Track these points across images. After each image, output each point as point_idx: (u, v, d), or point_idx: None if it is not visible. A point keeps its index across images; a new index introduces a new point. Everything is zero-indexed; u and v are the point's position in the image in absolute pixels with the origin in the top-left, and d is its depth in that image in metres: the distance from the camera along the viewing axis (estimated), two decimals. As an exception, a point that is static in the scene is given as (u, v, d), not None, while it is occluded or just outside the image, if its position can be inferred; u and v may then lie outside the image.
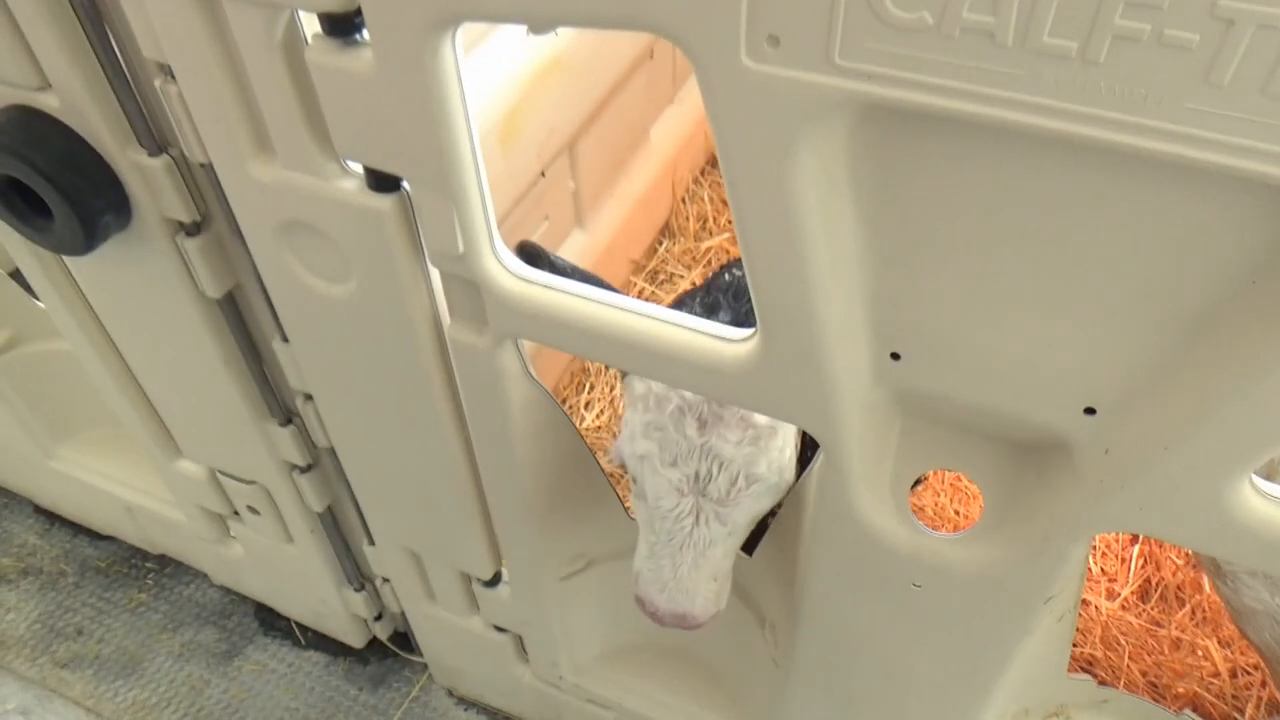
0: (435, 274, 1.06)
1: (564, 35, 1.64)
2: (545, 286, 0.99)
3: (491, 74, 1.52)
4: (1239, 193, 0.64)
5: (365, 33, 0.83)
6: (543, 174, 1.77)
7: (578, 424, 2.21)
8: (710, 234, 2.54)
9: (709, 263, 2.50)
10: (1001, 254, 0.76)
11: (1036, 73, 0.61)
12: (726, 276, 1.35)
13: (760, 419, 1.11)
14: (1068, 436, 0.85)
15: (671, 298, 2.45)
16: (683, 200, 2.58)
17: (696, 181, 2.66)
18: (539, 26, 0.77)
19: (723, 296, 1.31)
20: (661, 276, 2.48)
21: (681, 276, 2.49)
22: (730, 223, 2.56)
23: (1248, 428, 0.74)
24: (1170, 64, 0.57)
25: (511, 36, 1.56)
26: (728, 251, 2.52)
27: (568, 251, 2.01)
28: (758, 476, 1.11)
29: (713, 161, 2.71)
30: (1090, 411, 0.83)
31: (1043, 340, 0.80)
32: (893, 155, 0.73)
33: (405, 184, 0.97)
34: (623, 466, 1.19)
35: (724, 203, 2.62)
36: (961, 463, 0.98)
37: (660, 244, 2.50)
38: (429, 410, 1.21)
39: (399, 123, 0.87)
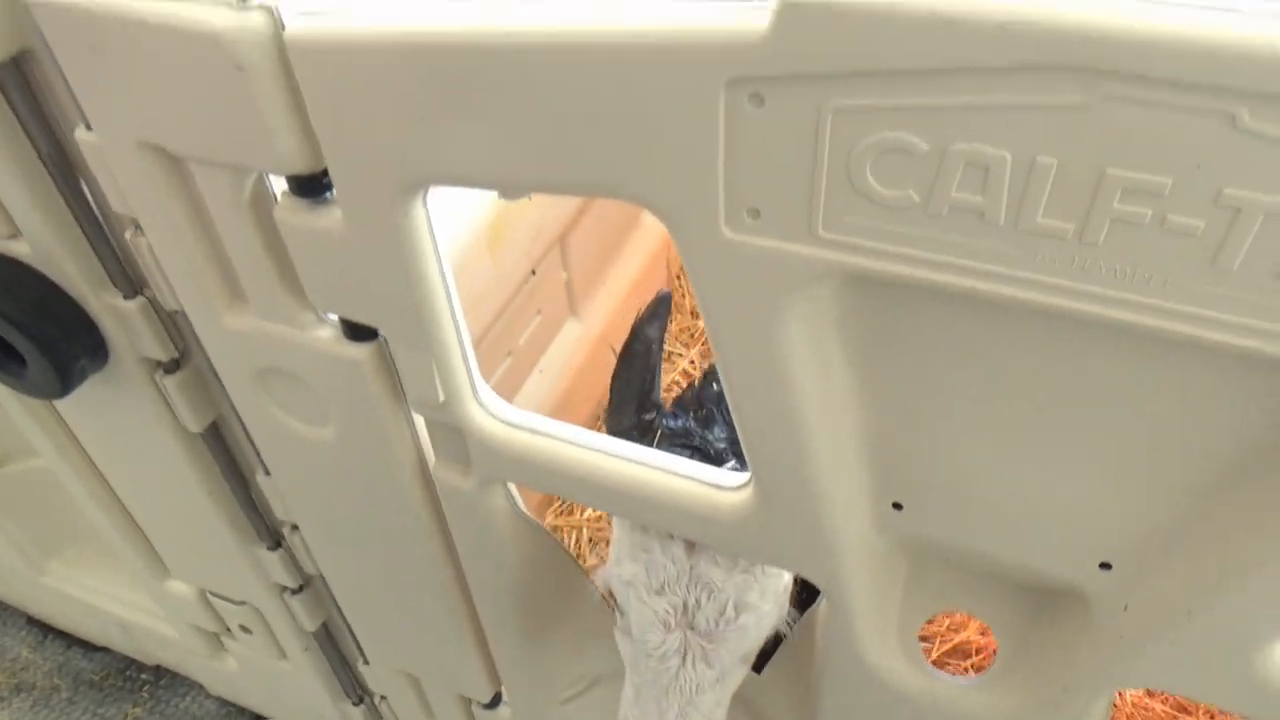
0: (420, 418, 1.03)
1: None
2: (531, 431, 0.95)
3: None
4: (1256, 369, 0.60)
5: (334, 191, 0.81)
6: (533, 272, 1.75)
7: (578, 518, 2.17)
8: (708, 310, 2.51)
9: (706, 340, 2.46)
10: (1001, 413, 0.72)
11: (1031, 251, 0.58)
12: (715, 386, 1.31)
13: None
14: (1083, 590, 0.80)
15: (669, 378, 2.41)
16: (678, 277, 2.56)
17: (692, 256, 2.64)
18: (511, 194, 0.75)
19: (716, 409, 1.27)
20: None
21: (680, 354, 2.45)
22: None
23: (1272, 600, 0.69)
24: (1174, 248, 0.54)
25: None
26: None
27: (562, 343, 1.97)
28: (749, 605, 1.04)
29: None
30: (1106, 566, 0.78)
31: (1051, 495, 0.76)
32: (884, 318, 0.70)
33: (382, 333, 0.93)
34: (609, 593, 1.13)
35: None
36: (972, 606, 0.93)
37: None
38: (418, 543, 1.17)
39: (372, 279, 0.84)
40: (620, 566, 1.09)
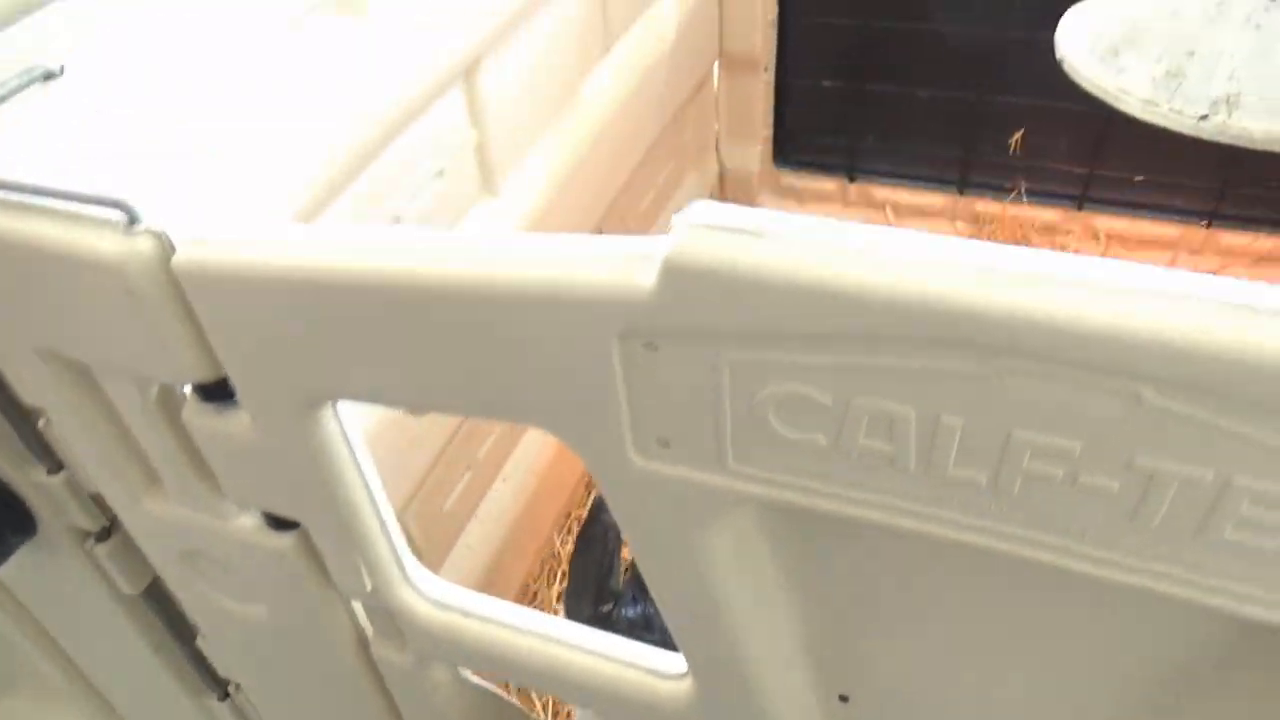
0: (351, 594, 0.99)
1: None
2: (464, 614, 0.91)
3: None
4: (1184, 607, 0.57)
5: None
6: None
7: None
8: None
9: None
10: (936, 624, 0.69)
11: (947, 495, 0.55)
12: None
13: None
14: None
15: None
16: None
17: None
18: (418, 410, 0.72)
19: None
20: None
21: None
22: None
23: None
24: (1091, 503, 0.51)
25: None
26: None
27: (525, 450, 1.94)
28: None
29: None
30: (1060, 766, 0.74)
31: (995, 701, 0.72)
32: (810, 538, 0.67)
33: (306, 521, 0.90)
34: None
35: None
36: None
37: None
38: (362, 711, 1.12)
39: (287, 479, 0.81)
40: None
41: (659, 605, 0.75)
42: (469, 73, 1.45)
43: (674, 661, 0.85)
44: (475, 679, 1.06)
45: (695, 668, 0.79)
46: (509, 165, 1.65)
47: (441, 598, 0.92)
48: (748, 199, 2.79)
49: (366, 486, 0.82)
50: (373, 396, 0.69)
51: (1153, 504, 0.49)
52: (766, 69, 2.55)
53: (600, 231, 2.11)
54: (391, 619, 0.95)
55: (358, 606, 0.99)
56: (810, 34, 2.46)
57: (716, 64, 2.56)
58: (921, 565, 0.64)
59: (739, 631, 0.73)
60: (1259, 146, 1.21)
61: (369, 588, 0.89)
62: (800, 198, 2.78)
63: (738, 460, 0.59)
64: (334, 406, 0.74)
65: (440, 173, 1.46)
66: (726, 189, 2.79)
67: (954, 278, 0.45)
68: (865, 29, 2.38)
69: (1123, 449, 0.48)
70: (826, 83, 2.52)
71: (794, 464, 0.58)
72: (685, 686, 0.83)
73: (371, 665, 1.05)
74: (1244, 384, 0.42)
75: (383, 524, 0.86)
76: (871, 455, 0.55)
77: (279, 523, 0.90)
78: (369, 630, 1.02)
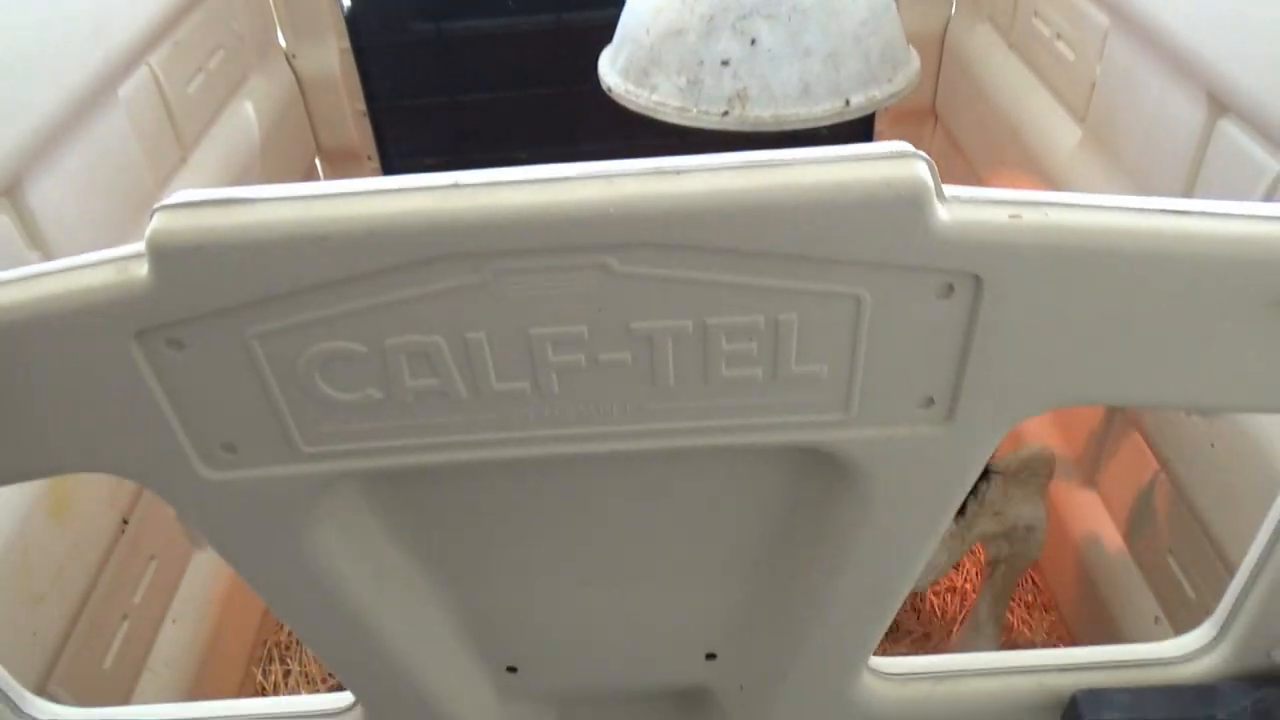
0: None
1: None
2: (100, 730, 0.82)
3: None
4: (748, 455, 0.65)
5: None
6: (125, 521, 1.56)
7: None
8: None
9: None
10: (562, 551, 0.73)
11: (504, 414, 0.59)
12: None
13: None
14: (701, 683, 0.83)
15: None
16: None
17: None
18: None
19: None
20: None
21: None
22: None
23: (837, 636, 0.75)
24: (620, 379, 0.58)
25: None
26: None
27: (194, 581, 1.77)
28: None
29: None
30: (711, 657, 0.81)
31: (644, 608, 0.78)
32: (411, 502, 0.68)
33: None
34: None
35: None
36: (627, 732, 0.93)
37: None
38: None
39: None
40: None
41: (300, 634, 0.72)
42: (9, 191, 1.34)
43: (339, 698, 0.82)
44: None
45: (361, 697, 0.77)
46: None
47: (70, 717, 0.82)
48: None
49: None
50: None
51: (660, 364, 0.57)
52: (370, 157, 2.59)
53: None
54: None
55: None
56: (403, 116, 2.54)
57: (318, 161, 2.56)
58: (510, 503, 0.68)
59: (383, 628, 0.72)
60: (773, 129, 1.43)
61: (-27, 736, 0.77)
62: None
63: (308, 441, 0.60)
64: None
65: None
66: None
67: (424, 198, 0.50)
68: (454, 104, 2.51)
69: (617, 319, 0.54)
70: (430, 160, 2.61)
71: (360, 428, 0.59)
72: (356, 717, 0.81)
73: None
74: (683, 236, 0.50)
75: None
76: (426, 396, 0.58)
77: None
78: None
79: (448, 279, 0.52)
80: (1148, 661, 0.79)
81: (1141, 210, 0.52)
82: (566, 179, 0.50)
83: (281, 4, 2.27)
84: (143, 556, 1.67)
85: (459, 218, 0.49)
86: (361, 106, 2.53)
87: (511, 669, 0.81)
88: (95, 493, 1.48)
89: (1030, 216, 0.51)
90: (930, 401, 0.59)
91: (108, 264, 0.52)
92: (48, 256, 1.43)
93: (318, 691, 2.00)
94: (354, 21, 2.36)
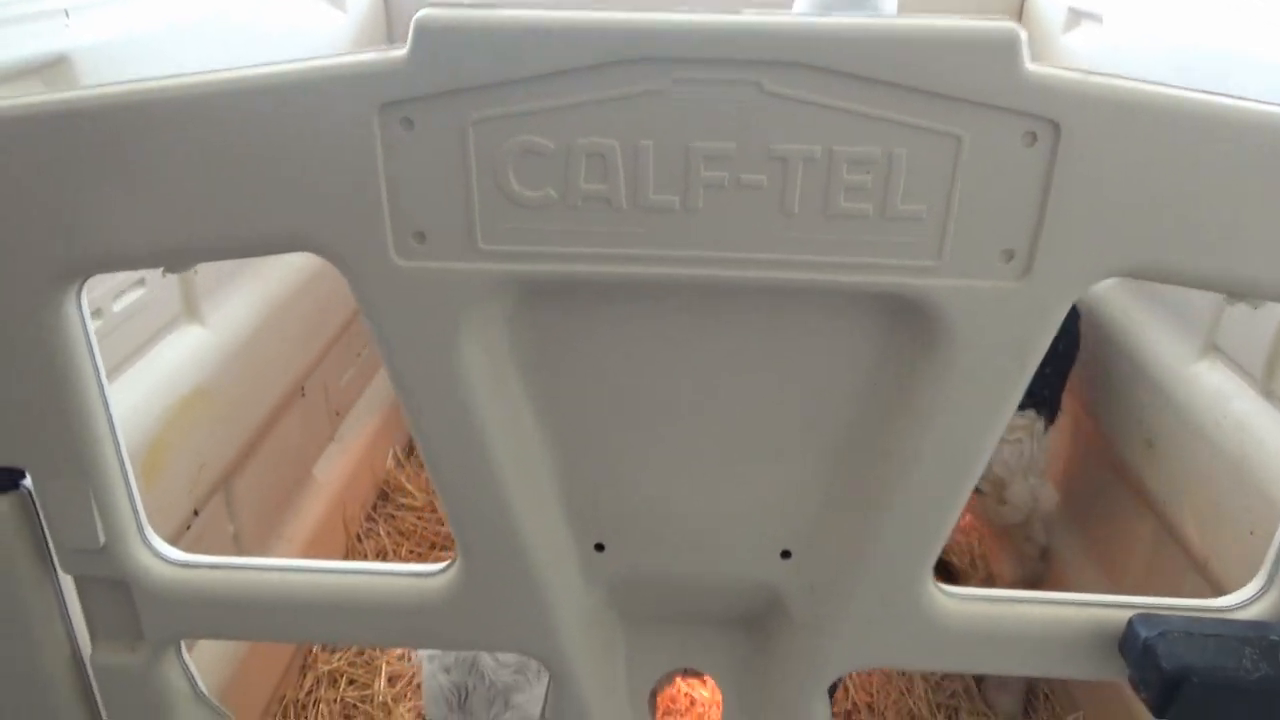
0: (70, 588, 0.90)
1: (205, 363, 1.60)
2: (211, 567, 0.88)
3: (127, 401, 1.42)
4: (843, 304, 0.76)
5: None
6: (196, 513, 1.63)
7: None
8: (393, 568, 2.42)
9: (397, 596, 2.36)
10: (665, 410, 0.82)
11: (652, 229, 0.71)
12: None
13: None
14: (774, 585, 0.88)
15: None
16: (358, 537, 2.47)
17: (370, 518, 2.58)
18: (176, 265, 0.76)
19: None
20: (347, 621, 2.29)
21: (369, 617, 2.31)
22: (410, 554, 2.46)
23: (910, 529, 0.82)
24: (754, 203, 0.70)
25: (154, 364, 1.49)
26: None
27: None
28: (517, 705, 1.04)
29: (383, 496, 2.66)
30: (787, 555, 0.87)
31: (727, 492, 0.85)
32: (548, 333, 0.78)
33: (28, 479, 0.85)
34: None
35: (402, 535, 2.55)
36: (690, 658, 0.96)
37: (340, 587, 2.33)
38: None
39: (13, 400, 0.78)
40: None
41: (425, 457, 0.80)
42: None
43: (433, 566, 0.88)
44: (210, 699, 0.98)
45: (463, 539, 0.84)
46: (213, 294, 1.69)
47: (182, 558, 0.89)
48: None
49: (105, 405, 0.81)
50: (131, 249, 0.73)
51: (790, 190, 0.69)
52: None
53: (304, 391, 2.13)
54: (122, 601, 0.88)
55: (74, 604, 0.90)
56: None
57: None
58: (634, 335, 0.78)
59: (499, 470, 0.80)
60: None
61: (101, 540, 0.83)
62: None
63: (487, 239, 0.71)
64: (80, 293, 0.76)
65: (141, 280, 1.48)
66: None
67: (623, 13, 0.65)
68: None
69: (761, 139, 0.67)
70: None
71: (532, 229, 0.71)
72: (450, 578, 0.86)
73: (84, 685, 0.94)
74: (827, 59, 0.64)
75: (120, 458, 0.83)
76: (592, 200, 0.70)
77: (-9, 481, 0.83)
78: (87, 646, 0.92)
79: (634, 83, 0.66)
80: (1200, 609, 0.84)
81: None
82: (737, 12, 0.65)
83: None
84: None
85: (652, 26, 0.64)
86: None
87: (599, 547, 0.87)
88: (180, 472, 1.56)
89: (1103, 77, 0.65)
90: (1010, 255, 0.70)
91: (374, 50, 0.66)
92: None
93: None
94: None
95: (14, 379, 0.77)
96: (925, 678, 2.07)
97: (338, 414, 2.39)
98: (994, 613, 0.85)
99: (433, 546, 2.48)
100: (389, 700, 2.03)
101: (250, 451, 1.85)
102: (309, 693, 2.08)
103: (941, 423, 0.77)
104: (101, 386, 0.80)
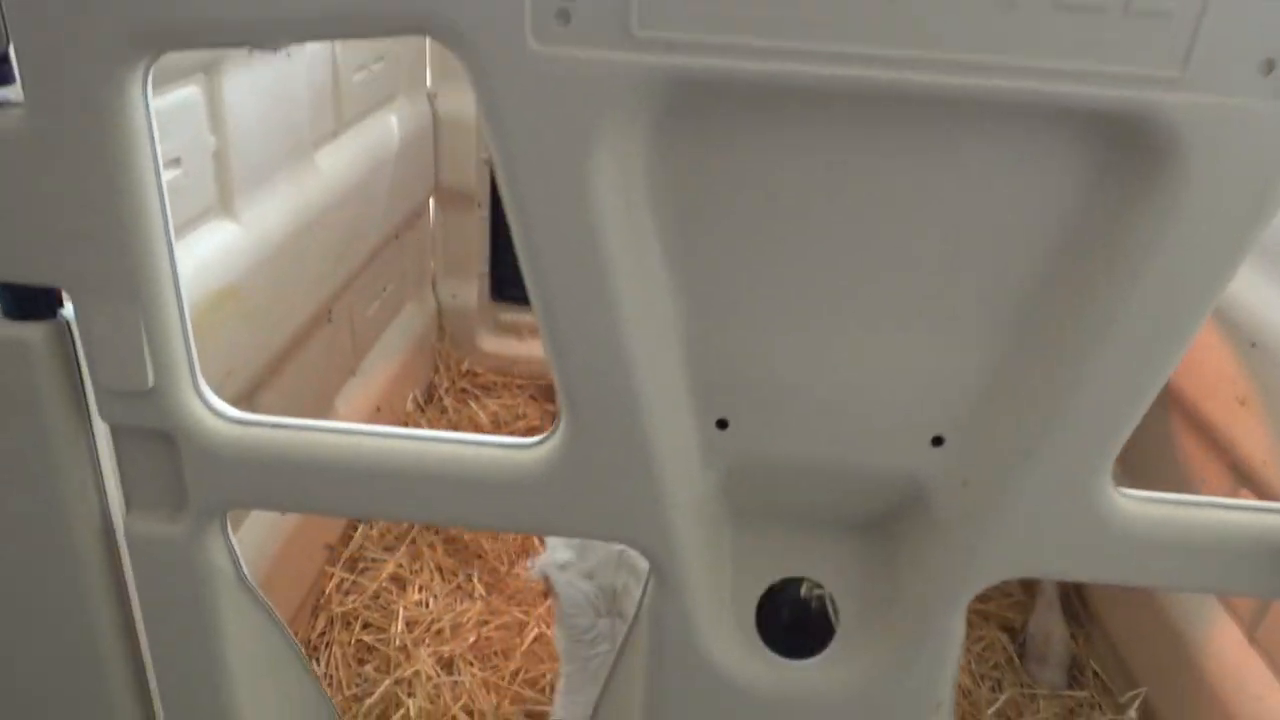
0: (105, 444, 0.78)
1: (238, 261, 1.48)
2: (274, 426, 0.76)
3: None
4: (1047, 127, 0.64)
5: (10, 89, 0.64)
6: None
7: None
8: (410, 514, 2.30)
9: (412, 541, 2.24)
10: (814, 260, 0.70)
11: (843, 17, 0.59)
12: None
13: None
14: (920, 477, 0.76)
15: (375, 584, 2.13)
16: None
17: (386, 463, 2.46)
18: (268, 40, 0.64)
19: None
20: (362, 564, 2.17)
21: (384, 560, 2.19)
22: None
23: (1095, 415, 0.70)
24: (965, -10, 0.58)
25: (187, 253, 1.37)
26: (435, 531, 2.29)
27: (248, 535, 1.68)
28: None
29: (401, 443, 2.54)
30: (938, 442, 0.75)
31: (875, 370, 0.73)
32: (690, 154, 0.66)
33: (66, 308, 0.73)
34: (546, 582, 1.13)
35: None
36: (804, 565, 0.84)
37: (356, 527, 2.21)
38: (81, 620, 0.85)
39: (64, 205, 0.66)
40: (555, 552, 1.13)
41: (536, 302, 0.69)
42: (209, 69, 1.40)
43: (530, 439, 0.76)
44: (253, 584, 0.86)
45: (571, 398, 0.72)
46: (248, 191, 1.56)
47: (240, 416, 0.77)
48: (467, 335, 2.82)
49: (165, 223, 0.69)
50: (211, 23, 0.61)
51: (1013, -28, 0.57)
52: (480, 205, 2.68)
53: (330, 316, 2.01)
54: (166, 461, 0.76)
55: (107, 466, 0.78)
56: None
57: (432, 200, 2.66)
58: (804, 154, 0.66)
59: (621, 316, 0.68)
60: None
61: (150, 382, 0.71)
62: (519, 333, 2.85)
63: (643, 23, 0.60)
64: (147, 75, 0.64)
65: (177, 160, 1.35)
66: (445, 323, 2.80)
67: None
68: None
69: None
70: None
71: (699, 14, 0.59)
72: (549, 449, 0.75)
73: (112, 558, 0.81)
74: None
75: (177, 290, 0.72)
76: (775, -22, 0.58)
77: (24, 305, 0.71)
78: (120, 510, 0.80)
79: None
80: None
81: None
82: None
83: (435, 49, 2.43)
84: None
85: None
86: (486, 155, 2.66)
87: (722, 424, 0.76)
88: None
89: None
90: (1270, 66, 0.59)
91: None
92: (222, 143, 1.47)
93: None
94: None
95: (61, 174, 0.65)
96: (968, 647, 1.98)
97: (360, 349, 2.27)
98: (1183, 518, 0.74)
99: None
100: (408, 644, 1.91)
101: (277, 368, 1.73)
102: (321, 634, 1.97)
103: (1153, 282, 0.65)
104: (162, 198, 0.68)
